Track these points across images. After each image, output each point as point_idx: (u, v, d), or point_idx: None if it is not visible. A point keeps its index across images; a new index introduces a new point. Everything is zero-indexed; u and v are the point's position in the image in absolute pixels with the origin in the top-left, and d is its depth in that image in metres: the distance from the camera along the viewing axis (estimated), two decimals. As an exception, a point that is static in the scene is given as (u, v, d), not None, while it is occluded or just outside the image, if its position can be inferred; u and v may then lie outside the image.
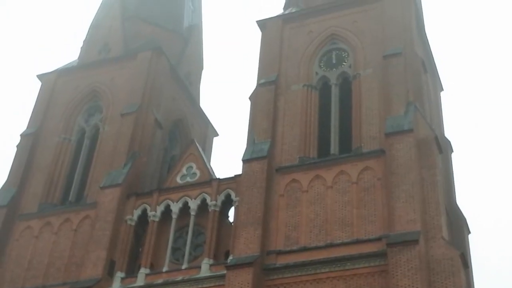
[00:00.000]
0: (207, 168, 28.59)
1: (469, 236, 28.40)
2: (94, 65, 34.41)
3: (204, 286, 25.02)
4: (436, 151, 24.95)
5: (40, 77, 35.24)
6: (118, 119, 31.36)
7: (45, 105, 33.87)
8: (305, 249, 24.09)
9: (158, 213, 27.66)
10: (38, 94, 34.62)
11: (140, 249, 27.50)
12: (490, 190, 65.76)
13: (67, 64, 35.80)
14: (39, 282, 27.76)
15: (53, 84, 34.52)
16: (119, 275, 26.48)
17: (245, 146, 27.65)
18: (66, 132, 32.71)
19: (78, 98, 33.62)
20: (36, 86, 35.15)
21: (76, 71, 34.76)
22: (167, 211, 27.65)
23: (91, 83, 33.76)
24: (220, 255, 25.99)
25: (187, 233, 27.01)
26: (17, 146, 32.67)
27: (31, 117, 33.78)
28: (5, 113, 76.10)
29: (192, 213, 27.20)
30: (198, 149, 29.52)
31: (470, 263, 26.84)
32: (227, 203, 27.17)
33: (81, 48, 36.29)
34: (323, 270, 23.31)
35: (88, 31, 36.55)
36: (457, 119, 61.11)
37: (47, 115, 33.50)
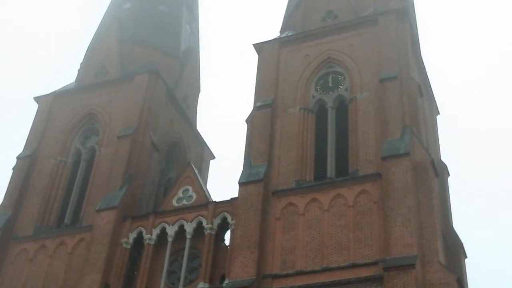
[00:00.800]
0: (203, 191, 28.54)
1: (466, 260, 28.33)
2: (91, 88, 34.48)
3: (200, 310, 24.87)
4: (432, 175, 24.98)
5: (37, 99, 35.29)
6: (115, 141, 31.35)
7: (42, 127, 33.89)
8: (301, 273, 23.96)
9: (154, 236, 27.54)
10: (35, 116, 34.64)
11: (135, 273, 27.33)
12: (486, 214, 65.66)
13: (64, 87, 35.86)
14: (34, 305, 27.59)
15: (50, 106, 34.57)
16: (114, 298, 26.32)
17: (241, 169, 27.60)
18: (63, 155, 32.67)
19: (74, 121, 33.64)
20: (33, 108, 35.16)
21: (73, 94, 34.82)
22: (163, 234, 27.54)
23: (88, 106, 33.81)
24: (215, 279, 25.86)
25: (182, 256, 26.90)
26: (13, 168, 32.60)
27: (27, 139, 33.77)
28: (1, 135, 76.05)
29: (188, 236, 27.10)
30: (195, 171, 29.48)
31: (467, 287, 26.73)
32: (223, 226, 27.08)
33: (78, 70, 36.42)
34: (319, 294, 23.19)
35: (85, 53, 36.72)
36: (453, 143, 61.19)
37: (44, 137, 33.50)
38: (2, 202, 31.34)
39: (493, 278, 56.86)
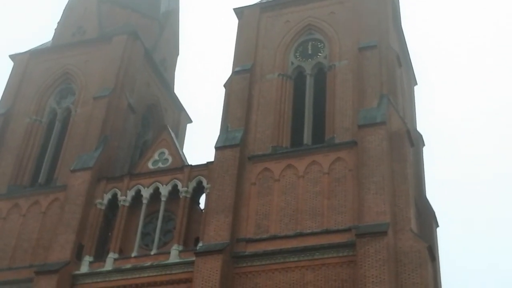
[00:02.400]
0: (179, 155, 28.50)
1: (438, 229, 28.73)
2: (68, 47, 34.05)
3: (173, 272, 24.97)
4: (407, 144, 25.19)
5: (12, 57, 34.78)
6: (91, 102, 31.10)
7: (17, 85, 33.46)
8: (275, 238, 24.15)
9: (129, 198, 27.51)
10: (10, 74, 34.16)
11: (110, 234, 27.32)
12: (459, 184, 66.56)
13: (40, 45, 35.40)
14: (6, 263, 27.46)
15: (26, 65, 34.09)
16: (88, 259, 26.32)
17: (218, 134, 27.56)
18: (37, 114, 32.36)
19: (50, 80, 33.25)
20: (8, 66, 34.66)
21: (49, 53, 34.35)
22: (138, 196, 27.52)
23: (64, 65, 33.40)
24: (189, 242, 25.96)
25: (157, 218, 26.93)
26: (-14, 126, 32.20)
27: (2, 97, 33.36)
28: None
29: (163, 199, 27.10)
30: (171, 135, 29.39)
31: (438, 256, 27.19)
32: (199, 190, 27.12)
33: (55, 29, 35.85)
34: (292, 259, 23.41)
35: (63, 12, 36.11)
36: (430, 113, 61.69)
37: (19, 95, 33.10)
38: (-25, 160, 31.02)
39: (463, 247, 57.95)
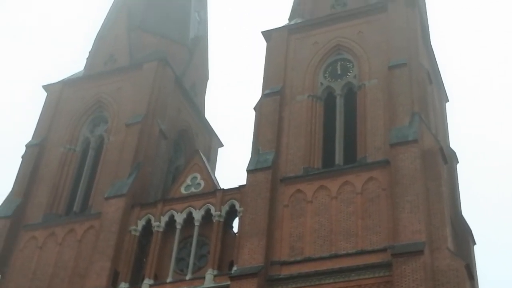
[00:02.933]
0: (212, 179, 28.56)
1: (475, 247, 28.25)
2: (100, 76, 34.51)
3: (209, 296, 24.93)
4: (441, 161, 24.88)
5: (46, 87, 35.32)
6: (123, 129, 31.39)
7: (51, 115, 33.94)
8: (309, 260, 23.98)
9: (163, 223, 27.60)
10: (44, 104, 34.68)
11: (144, 260, 27.41)
12: (495, 201, 65.47)
13: (73, 75, 35.92)
14: (43, 292, 27.73)
15: (59, 95, 34.59)
16: (123, 285, 26.41)
17: (249, 157, 27.58)
18: (71, 143, 32.74)
19: (83, 109, 33.69)
20: (42, 96, 35.21)
21: (82, 82, 34.85)
22: (171, 221, 27.60)
23: (96, 94, 33.84)
24: (224, 266, 25.91)
25: (191, 243, 26.94)
26: (22, 156, 32.69)
27: (36, 127, 33.84)
28: (11, 123, 76.36)
29: (196, 223, 27.14)
30: (203, 159, 29.50)
31: (476, 274, 26.65)
32: (232, 213, 27.10)
33: (87, 59, 36.42)
34: (327, 281, 23.19)
35: (94, 42, 36.69)
36: (463, 130, 60.97)
37: (53, 125, 33.56)
38: (12, 190, 31.44)
39: (501, 265, 56.80)
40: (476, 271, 27.05)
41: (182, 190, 28.54)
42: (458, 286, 21.48)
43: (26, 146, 32.98)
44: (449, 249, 22.47)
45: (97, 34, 36.91)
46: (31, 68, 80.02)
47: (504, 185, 66.73)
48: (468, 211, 30.07)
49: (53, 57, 80.00)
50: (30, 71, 79.62)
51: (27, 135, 33.91)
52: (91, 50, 36.58)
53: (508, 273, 58.91)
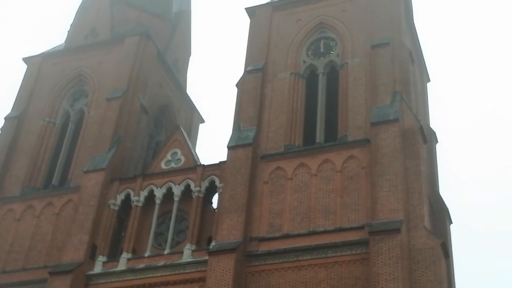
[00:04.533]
0: (192, 154, 28.48)
1: (451, 226, 28.49)
2: (81, 49, 34.16)
3: (186, 271, 24.94)
4: (420, 141, 24.99)
5: (26, 60, 34.98)
6: (104, 103, 31.18)
7: (30, 88, 33.65)
8: (287, 236, 24.07)
9: (142, 198, 27.53)
10: (24, 77, 34.38)
11: (123, 234, 27.37)
12: (473, 181, 66.11)
13: (53, 48, 35.56)
14: (20, 265, 27.64)
15: (39, 68, 34.27)
16: (101, 259, 26.36)
17: (230, 133, 27.52)
18: (51, 116, 32.49)
19: (63, 82, 33.39)
20: (21, 69, 34.87)
21: (62, 55, 34.50)
22: (151, 196, 27.53)
23: (77, 67, 33.53)
24: (202, 241, 25.93)
25: (170, 218, 26.92)
26: (1, 129, 32.45)
27: (15, 100, 33.55)
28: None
29: (176, 199, 27.10)
30: (184, 135, 29.39)
31: (451, 253, 26.94)
32: (211, 189, 27.07)
33: (68, 32, 36.02)
34: (305, 257, 23.32)
35: (75, 15, 36.26)
36: (443, 110, 61.32)
37: (32, 98, 33.27)
38: (-11, 163, 31.20)
39: (477, 244, 57.49)
40: (451, 250, 27.33)
41: (162, 165, 28.44)
42: (433, 264, 21.69)
43: (5, 118, 32.74)
44: (425, 227, 22.65)
45: (79, 7, 36.48)
46: (11, 40, 79.10)
47: (481, 165, 67.37)
48: (446, 191, 30.34)
49: (34, 30, 79.12)
50: (10, 43, 78.72)
51: (6, 108, 33.72)
52: (72, 23, 36.16)
53: (482, 252, 59.65)
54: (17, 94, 33.77)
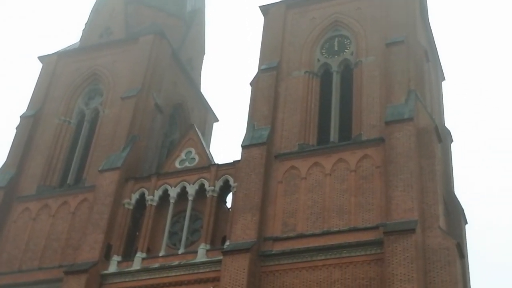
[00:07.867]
0: (206, 153, 28.47)
1: (466, 226, 28.28)
2: (96, 48, 34.29)
3: (200, 271, 24.97)
4: (435, 140, 24.82)
5: (41, 59, 35.12)
6: (119, 102, 31.25)
7: (46, 87, 33.80)
8: (302, 236, 24.01)
9: (156, 197, 27.58)
10: (39, 76, 34.54)
11: (137, 233, 27.41)
12: (488, 181, 65.56)
13: (68, 47, 35.68)
14: (36, 264, 27.81)
15: (54, 66, 34.41)
16: (116, 258, 26.45)
17: (244, 132, 27.49)
18: (66, 115, 32.63)
19: (78, 81, 33.52)
20: (37, 68, 35.06)
21: (77, 54, 34.63)
22: (165, 195, 27.57)
23: (92, 66, 33.64)
24: (217, 241, 25.93)
25: (184, 218, 26.95)
26: (16, 127, 32.64)
27: (31, 99, 33.73)
28: (5, 95, 76.12)
29: (190, 198, 27.12)
30: (198, 134, 29.39)
31: (466, 253, 26.76)
32: (225, 188, 27.06)
33: (83, 30, 36.16)
34: (319, 258, 23.25)
35: (90, 14, 36.42)
36: (458, 109, 60.86)
37: (48, 97, 33.43)
38: (5, 161, 31.44)
39: (492, 244, 57.06)
40: (466, 250, 27.15)
41: (177, 165, 28.47)
42: (448, 264, 21.55)
43: (21, 117, 32.89)
44: (440, 227, 22.50)
45: (94, 6, 36.60)
46: (27, 39, 79.55)
47: (497, 164, 66.85)
48: (461, 191, 30.11)
49: (49, 29, 79.50)
50: (26, 42, 79.17)
51: (22, 107, 33.90)
52: (87, 22, 36.29)
53: (498, 252, 59.24)
54: (33, 93, 33.96)
